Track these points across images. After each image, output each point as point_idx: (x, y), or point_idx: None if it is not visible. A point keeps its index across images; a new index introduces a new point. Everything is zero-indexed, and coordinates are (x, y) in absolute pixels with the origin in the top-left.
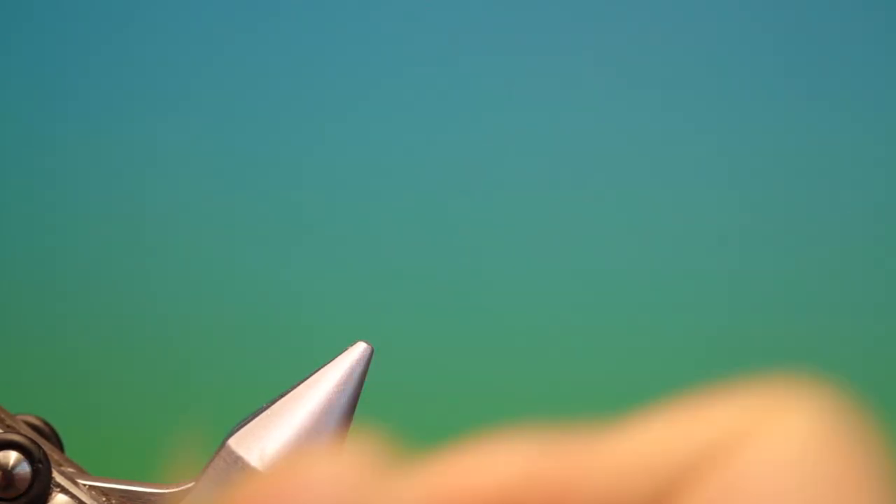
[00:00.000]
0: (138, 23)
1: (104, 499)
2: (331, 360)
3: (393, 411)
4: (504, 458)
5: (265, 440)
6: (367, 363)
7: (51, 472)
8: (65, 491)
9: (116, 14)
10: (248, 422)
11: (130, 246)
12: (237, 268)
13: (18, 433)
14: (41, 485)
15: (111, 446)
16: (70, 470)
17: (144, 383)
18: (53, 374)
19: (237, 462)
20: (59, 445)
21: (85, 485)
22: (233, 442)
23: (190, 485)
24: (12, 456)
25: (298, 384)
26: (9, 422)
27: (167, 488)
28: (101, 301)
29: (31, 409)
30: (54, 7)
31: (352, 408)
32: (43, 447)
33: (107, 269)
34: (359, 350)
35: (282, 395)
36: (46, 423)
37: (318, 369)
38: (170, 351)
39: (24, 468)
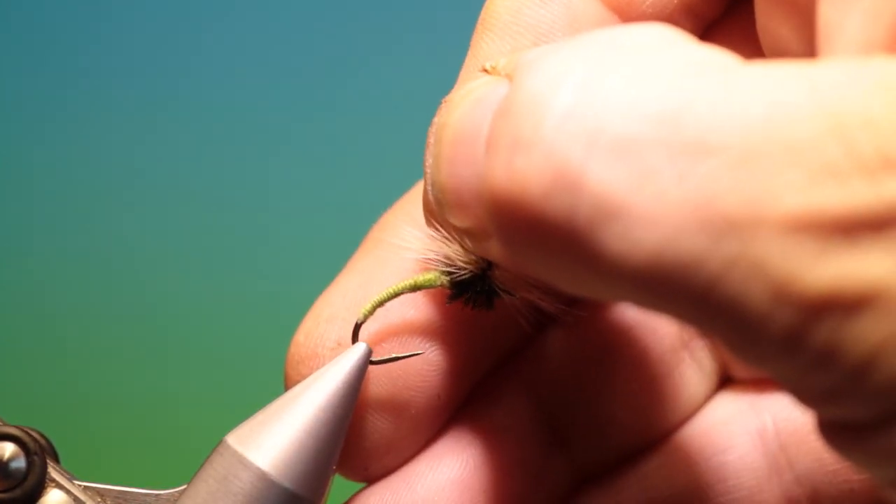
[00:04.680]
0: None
1: (99, 499)
2: (330, 361)
3: None
4: None
5: (265, 438)
6: (366, 363)
7: (46, 466)
8: (60, 486)
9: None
10: (248, 422)
11: (124, 260)
12: (230, 278)
13: (14, 426)
14: (36, 477)
15: (107, 459)
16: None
17: (141, 396)
18: (51, 388)
19: (238, 459)
20: (54, 457)
21: (80, 484)
22: (232, 440)
23: (184, 486)
24: (8, 448)
25: (298, 384)
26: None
27: (162, 490)
28: (96, 312)
29: (28, 422)
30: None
31: (350, 407)
32: (38, 439)
33: (102, 285)
34: (358, 350)
35: (282, 395)
36: (42, 435)
37: (318, 369)
38: (164, 364)
39: (20, 460)
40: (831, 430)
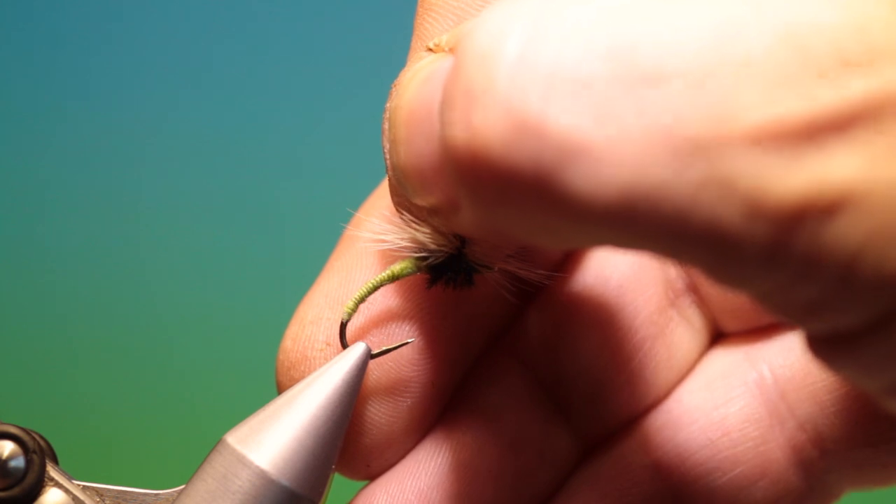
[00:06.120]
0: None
1: (98, 498)
2: (321, 362)
3: None
4: None
5: (265, 436)
6: (365, 362)
7: (45, 464)
8: (59, 485)
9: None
10: (247, 421)
11: (123, 262)
12: (228, 278)
13: (13, 425)
14: (35, 475)
15: (106, 460)
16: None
17: (139, 396)
18: (50, 391)
19: (237, 458)
20: (53, 459)
21: (79, 484)
22: (232, 439)
23: (183, 486)
24: (7, 446)
25: (298, 383)
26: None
27: (161, 490)
28: (95, 314)
29: (27, 425)
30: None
31: (350, 406)
32: (38, 439)
33: (101, 286)
34: (356, 350)
35: (281, 395)
36: (42, 438)
37: (317, 369)
38: (163, 364)
39: (18, 459)
40: (821, 345)
